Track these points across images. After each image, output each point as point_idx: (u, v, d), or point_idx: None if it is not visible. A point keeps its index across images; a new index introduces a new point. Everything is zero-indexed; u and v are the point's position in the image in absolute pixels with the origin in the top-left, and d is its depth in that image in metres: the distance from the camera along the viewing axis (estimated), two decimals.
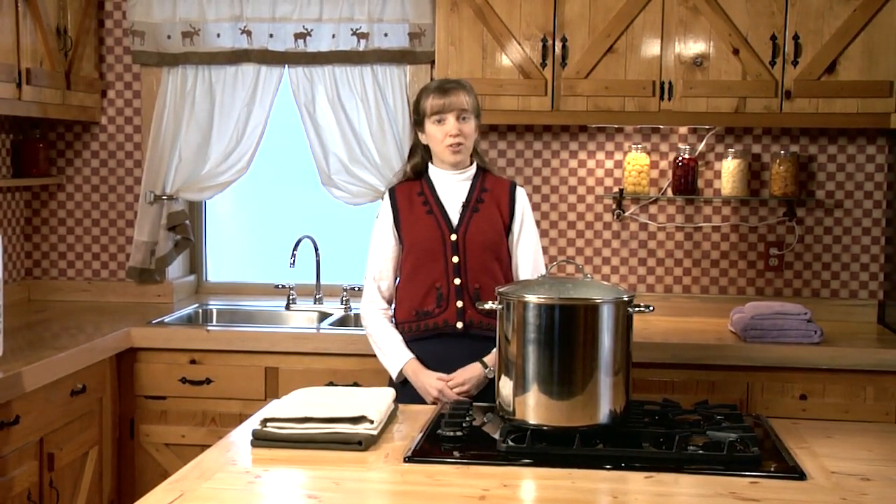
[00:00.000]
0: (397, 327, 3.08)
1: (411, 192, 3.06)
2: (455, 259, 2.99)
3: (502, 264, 3.04)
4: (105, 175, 4.35)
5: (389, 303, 3.12)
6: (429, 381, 2.96)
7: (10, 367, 2.99)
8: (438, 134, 2.97)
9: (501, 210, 3.04)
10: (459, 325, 2.99)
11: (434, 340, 3.02)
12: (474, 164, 3.08)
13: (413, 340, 3.03)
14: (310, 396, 2.53)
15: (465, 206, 3.02)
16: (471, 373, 2.96)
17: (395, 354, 3.03)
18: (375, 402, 2.46)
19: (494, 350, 2.91)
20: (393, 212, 3.06)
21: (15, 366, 3.01)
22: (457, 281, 2.99)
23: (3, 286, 3.06)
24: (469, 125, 2.98)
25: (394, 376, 3.03)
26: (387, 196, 3.10)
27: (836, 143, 4.06)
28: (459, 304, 2.99)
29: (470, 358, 2.98)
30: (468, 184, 3.05)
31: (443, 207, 3.02)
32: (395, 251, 3.08)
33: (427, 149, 3.06)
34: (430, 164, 3.07)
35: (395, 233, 3.07)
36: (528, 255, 3.07)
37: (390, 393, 2.59)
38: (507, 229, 3.05)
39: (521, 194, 3.09)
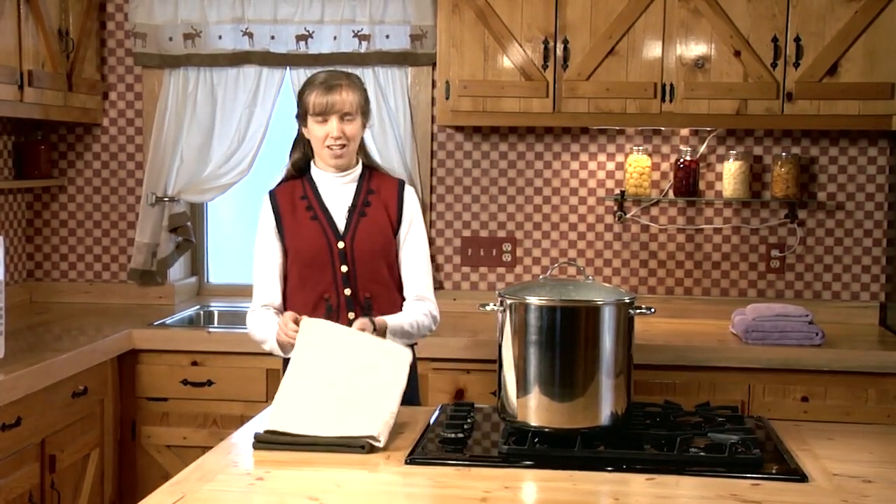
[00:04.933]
0: None
1: (294, 195, 2.87)
2: (344, 268, 2.82)
3: (392, 270, 2.88)
4: (107, 177, 4.36)
5: (276, 311, 2.88)
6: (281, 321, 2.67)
7: (12, 368, 2.99)
8: (319, 133, 2.79)
9: (389, 212, 2.87)
10: None
11: None
12: (360, 164, 2.90)
13: None
14: (317, 389, 2.42)
15: (351, 210, 2.84)
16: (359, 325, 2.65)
17: (268, 331, 2.80)
18: (388, 400, 2.38)
19: (388, 318, 2.75)
20: (275, 217, 2.86)
21: (16, 367, 3.01)
22: (347, 291, 2.82)
23: (5, 288, 3.06)
24: (354, 125, 2.79)
25: (283, 353, 2.77)
26: (267, 200, 2.88)
27: (837, 144, 4.06)
28: (351, 315, 2.80)
29: None
30: (354, 185, 2.87)
31: (328, 213, 2.84)
32: (282, 262, 2.88)
33: (310, 144, 2.87)
34: (312, 164, 2.89)
35: (278, 241, 2.87)
36: (413, 259, 2.88)
37: (403, 376, 2.45)
38: (395, 231, 2.88)
39: (409, 194, 2.91)
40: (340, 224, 2.85)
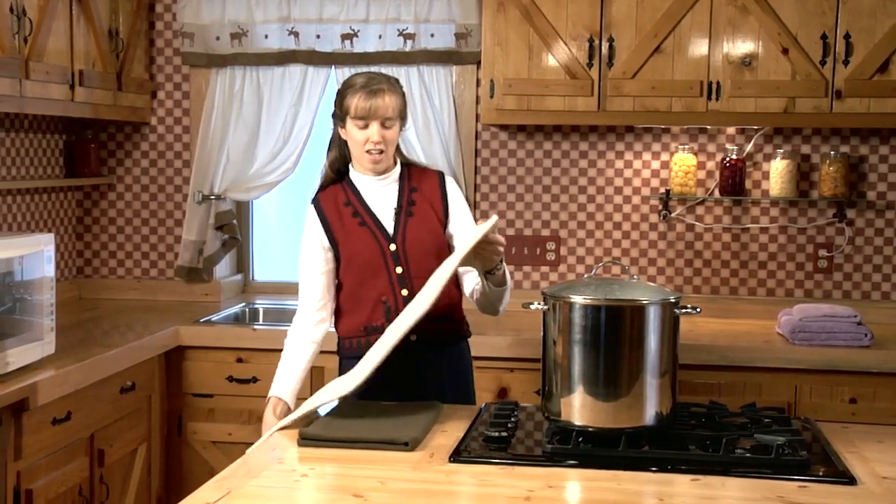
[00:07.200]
0: (343, 342, 2.89)
1: (337, 201, 2.86)
2: (398, 269, 2.81)
3: None
4: (154, 175, 4.41)
5: (320, 321, 2.89)
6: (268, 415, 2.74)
7: (62, 364, 3.04)
8: (359, 137, 2.78)
9: (435, 208, 2.87)
10: (413, 336, 2.68)
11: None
12: (398, 165, 2.89)
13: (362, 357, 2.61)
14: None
15: (397, 212, 2.84)
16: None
17: (276, 382, 2.82)
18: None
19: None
20: (323, 226, 2.85)
21: (66, 363, 3.06)
22: (404, 292, 2.80)
23: (56, 284, 3.11)
24: (393, 131, 2.79)
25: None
26: (312, 210, 2.87)
27: (887, 143, 4.00)
28: None
29: (428, 368, 2.81)
30: (396, 186, 2.87)
31: (374, 216, 2.84)
32: (328, 266, 2.86)
33: (347, 144, 2.86)
34: (351, 168, 2.88)
35: (328, 247, 2.85)
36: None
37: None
38: (444, 226, 2.88)
39: (451, 184, 2.92)
40: (389, 226, 2.84)
